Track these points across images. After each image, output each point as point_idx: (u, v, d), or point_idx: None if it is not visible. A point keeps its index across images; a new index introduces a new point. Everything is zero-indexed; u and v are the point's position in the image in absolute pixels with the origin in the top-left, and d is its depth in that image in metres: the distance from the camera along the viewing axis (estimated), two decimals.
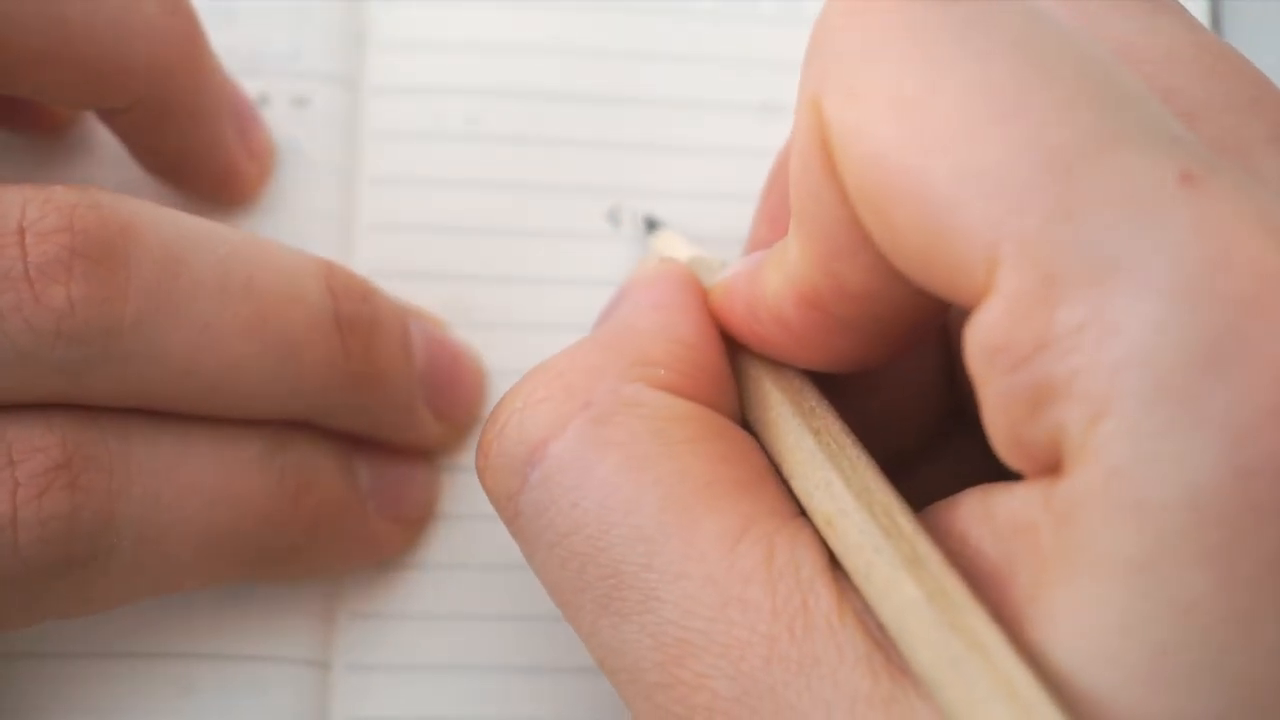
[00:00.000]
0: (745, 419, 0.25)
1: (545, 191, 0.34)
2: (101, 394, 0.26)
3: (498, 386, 0.32)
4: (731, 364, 0.26)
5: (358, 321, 0.28)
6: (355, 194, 0.34)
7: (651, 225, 0.33)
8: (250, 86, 0.33)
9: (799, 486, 0.23)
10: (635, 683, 0.23)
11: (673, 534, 0.22)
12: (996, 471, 0.25)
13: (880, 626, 0.21)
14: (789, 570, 0.21)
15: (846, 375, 0.25)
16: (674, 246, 0.31)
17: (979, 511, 0.21)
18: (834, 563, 0.22)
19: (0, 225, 0.25)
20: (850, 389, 0.25)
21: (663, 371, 0.24)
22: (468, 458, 0.32)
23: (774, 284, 0.24)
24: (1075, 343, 0.18)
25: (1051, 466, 0.19)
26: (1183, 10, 0.23)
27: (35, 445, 0.25)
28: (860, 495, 0.22)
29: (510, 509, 0.24)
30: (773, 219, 0.28)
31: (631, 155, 0.34)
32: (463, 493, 0.32)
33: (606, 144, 0.34)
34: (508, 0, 0.35)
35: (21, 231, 0.25)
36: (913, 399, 0.27)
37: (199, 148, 0.31)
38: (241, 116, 0.32)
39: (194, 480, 0.27)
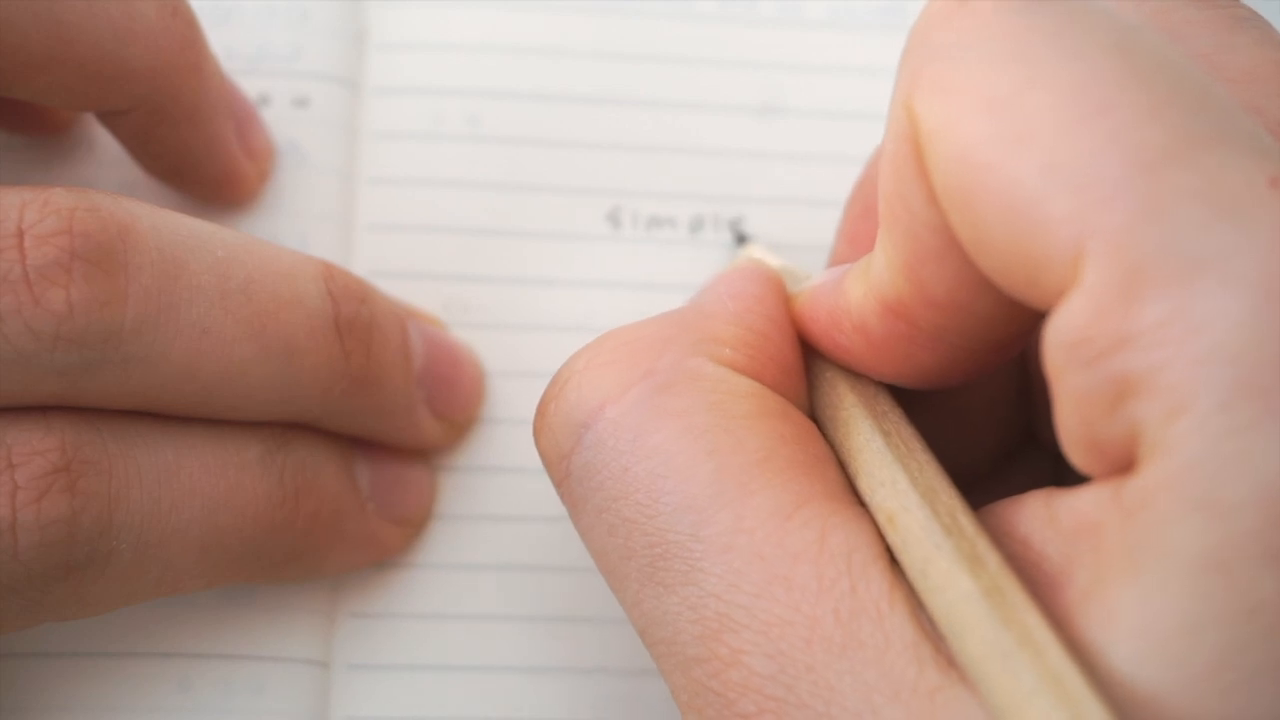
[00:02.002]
0: (814, 417, 0.25)
1: (545, 192, 0.34)
2: (101, 397, 0.26)
3: (497, 387, 0.32)
4: (806, 366, 0.26)
5: (356, 323, 0.28)
6: (355, 194, 0.34)
7: (741, 239, 0.33)
8: (250, 87, 0.33)
9: (864, 484, 0.23)
10: (673, 655, 0.23)
11: (723, 506, 0.22)
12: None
13: (931, 621, 0.21)
14: (841, 554, 0.21)
15: (922, 392, 0.25)
16: (756, 255, 0.31)
17: (1042, 514, 0.21)
18: (889, 557, 0.22)
19: None
20: (924, 406, 0.25)
21: (729, 351, 0.24)
22: (467, 458, 0.32)
23: (858, 293, 0.24)
24: (1158, 338, 0.18)
25: (1123, 465, 0.19)
26: (1265, 26, 0.23)
27: (35, 449, 0.25)
28: (925, 494, 0.22)
29: (561, 469, 0.24)
30: (853, 236, 0.28)
31: (632, 156, 0.34)
32: (463, 493, 0.32)
33: (607, 145, 0.34)
34: (508, 1, 0.35)
35: (20, 234, 0.25)
36: (986, 420, 0.27)
37: (198, 149, 0.31)
38: (241, 117, 0.32)
39: (193, 483, 0.27)
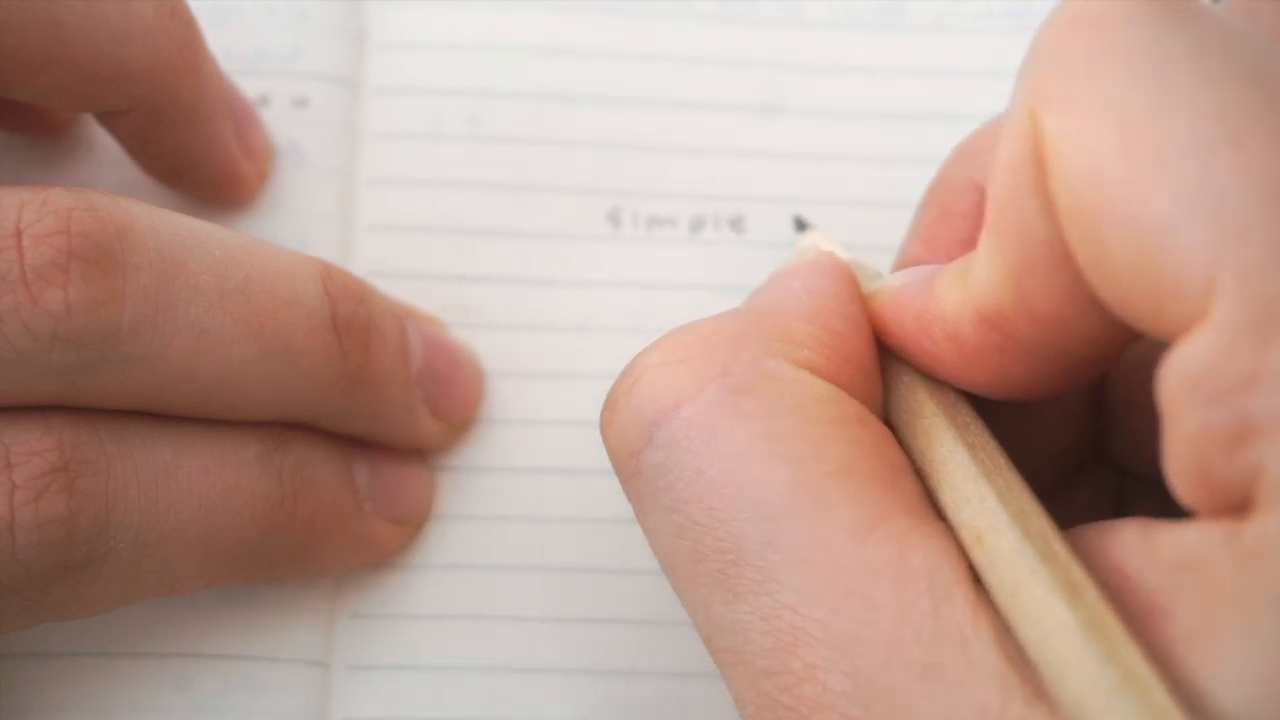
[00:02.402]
0: (889, 421, 0.25)
1: (545, 192, 0.34)
2: (99, 396, 0.26)
3: (497, 387, 0.32)
4: (882, 367, 0.25)
5: (355, 323, 0.28)
6: (355, 194, 0.34)
7: (800, 225, 0.33)
8: (250, 87, 0.33)
9: (947, 498, 0.22)
10: (742, 664, 0.22)
11: (800, 517, 0.22)
12: (1129, 510, 0.24)
13: (1018, 648, 0.20)
14: (922, 573, 0.21)
15: (995, 401, 0.24)
16: (822, 244, 0.30)
17: (1139, 543, 0.20)
18: (973, 577, 0.21)
19: None
20: (994, 414, 0.25)
21: (807, 352, 0.24)
22: (467, 458, 0.32)
23: (953, 299, 0.23)
24: None
25: (1237, 506, 0.19)
26: None
27: (33, 449, 0.25)
28: (1015, 515, 0.21)
29: (630, 466, 0.24)
30: (930, 238, 0.27)
31: (632, 156, 0.34)
32: (462, 493, 0.32)
33: (607, 145, 0.34)
34: (508, 1, 0.35)
35: (19, 234, 0.25)
36: (1056, 433, 0.27)
37: (197, 149, 0.31)
38: (240, 118, 0.32)
39: (192, 483, 0.27)
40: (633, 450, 0.24)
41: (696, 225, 0.34)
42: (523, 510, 0.32)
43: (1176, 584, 0.19)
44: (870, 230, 0.34)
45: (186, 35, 0.29)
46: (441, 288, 0.33)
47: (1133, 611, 0.20)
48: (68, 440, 0.25)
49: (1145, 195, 0.19)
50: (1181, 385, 0.19)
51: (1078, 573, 0.20)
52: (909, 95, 0.35)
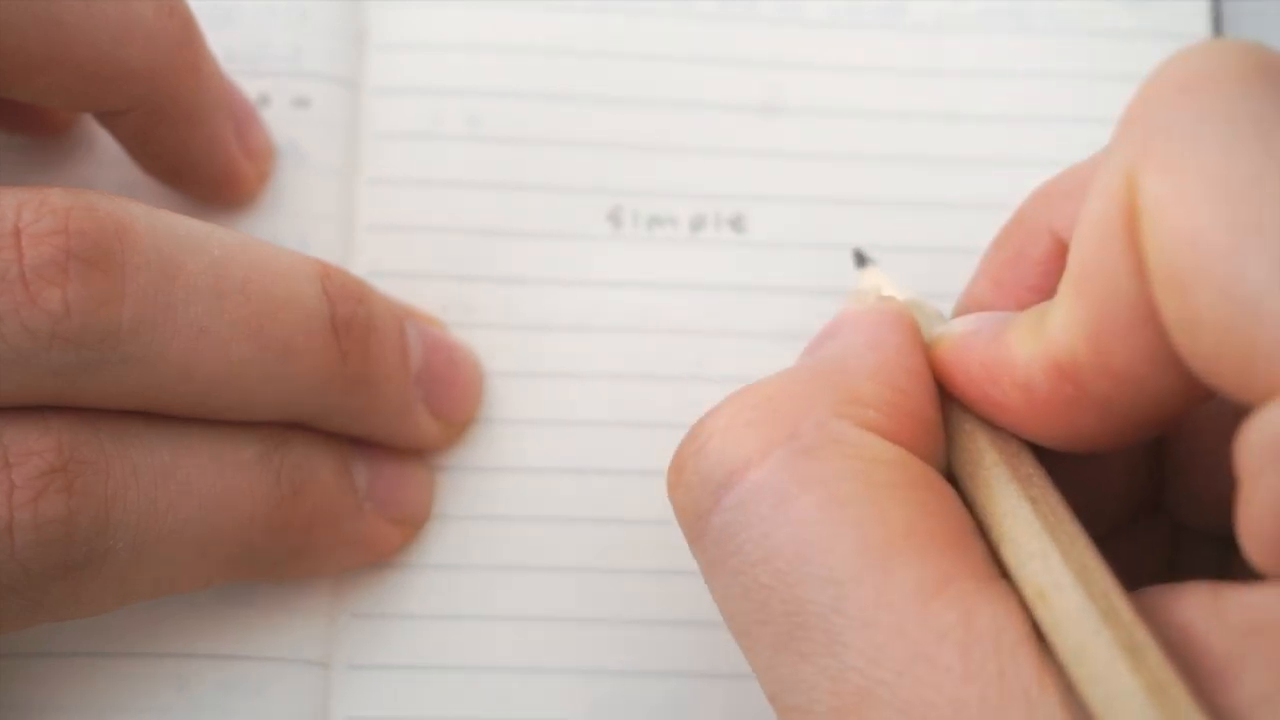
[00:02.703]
0: (951, 472, 0.25)
1: (546, 192, 0.34)
2: (98, 396, 0.26)
3: (498, 387, 0.32)
4: (943, 415, 0.25)
5: (354, 324, 0.28)
6: (355, 195, 0.34)
7: (861, 260, 0.32)
8: (251, 87, 0.33)
9: (1010, 553, 0.22)
10: None
11: (865, 580, 0.22)
12: (1182, 563, 0.24)
13: (1083, 708, 0.20)
14: (988, 635, 0.21)
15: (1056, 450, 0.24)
16: (883, 285, 0.30)
17: (1207, 605, 0.20)
18: (1037, 635, 0.21)
19: None
20: (1054, 463, 0.25)
21: (872, 413, 0.24)
22: (468, 458, 0.32)
23: (1026, 349, 0.23)
24: None
25: None
26: None
27: (32, 449, 0.25)
28: (1078, 572, 0.21)
29: (698, 528, 0.24)
30: (998, 281, 0.27)
31: (633, 156, 0.34)
32: (463, 493, 0.32)
33: (607, 145, 0.34)
34: (508, 1, 0.35)
35: (18, 234, 0.25)
36: (1116, 484, 0.27)
37: (197, 149, 0.31)
38: (240, 118, 0.32)
39: (190, 484, 0.27)
40: (700, 513, 0.24)
41: (697, 225, 0.34)
42: (524, 510, 0.32)
43: (1245, 647, 0.19)
44: (872, 229, 0.34)
45: (186, 35, 0.29)
46: (442, 287, 0.33)
47: (1199, 675, 0.20)
48: (67, 441, 0.25)
49: (1243, 262, 0.19)
50: (1263, 449, 0.19)
51: (1141, 634, 0.20)
52: (910, 94, 0.35)
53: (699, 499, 0.24)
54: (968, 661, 0.21)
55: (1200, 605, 0.20)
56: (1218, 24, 0.36)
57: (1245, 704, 0.19)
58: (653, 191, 0.34)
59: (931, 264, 0.33)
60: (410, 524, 0.31)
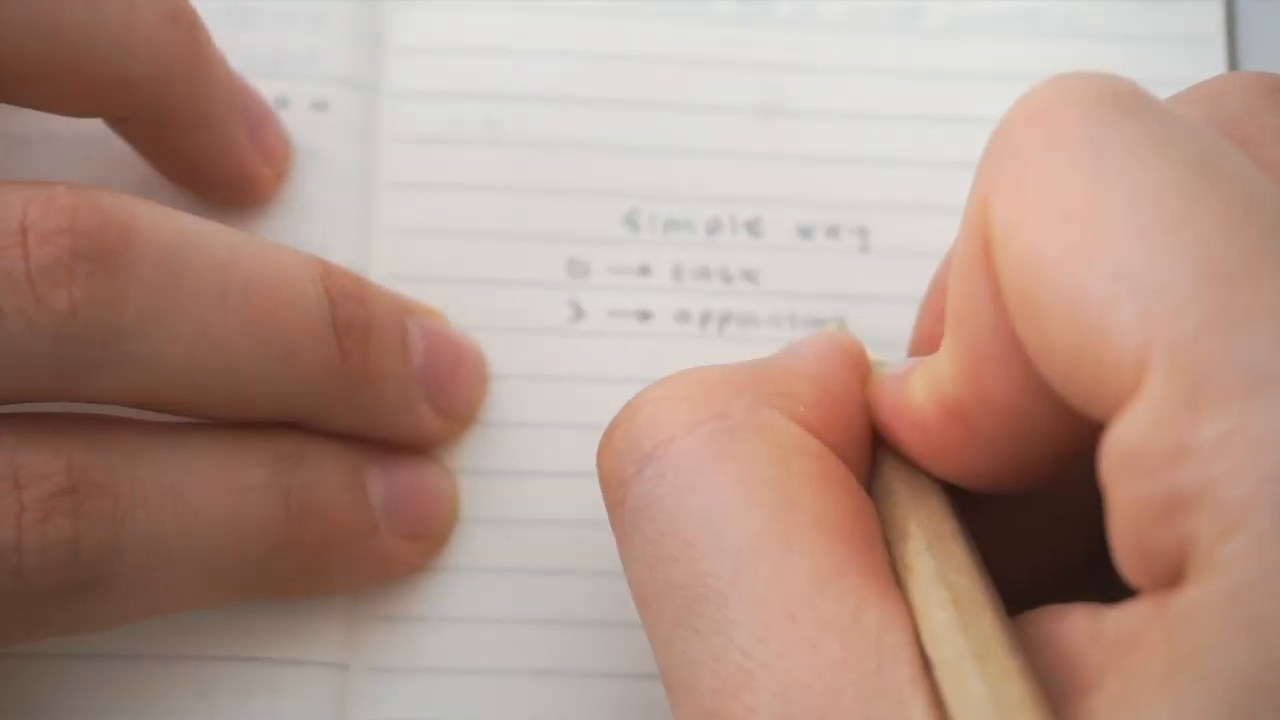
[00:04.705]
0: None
1: (563, 195, 0.34)
2: (101, 395, 0.26)
3: (520, 390, 0.32)
4: (873, 448, 0.26)
5: (355, 324, 0.28)
6: (373, 198, 0.34)
7: (840, 328, 0.33)
8: (268, 90, 0.33)
9: (901, 574, 0.23)
10: (690, 704, 0.22)
11: (765, 559, 0.22)
12: None
13: (947, 716, 0.20)
14: (873, 632, 0.21)
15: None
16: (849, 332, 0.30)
17: (1086, 625, 0.20)
18: (920, 647, 0.21)
19: (2, 226, 0.25)
20: (1021, 501, 0.25)
21: (803, 409, 0.24)
22: (491, 461, 0.32)
23: (920, 390, 0.24)
24: (1216, 452, 0.18)
25: (1171, 579, 0.19)
26: None
27: (42, 471, 0.25)
28: (951, 593, 0.22)
29: (617, 495, 0.24)
30: (930, 337, 0.27)
31: (649, 159, 0.34)
32: (485, 496, 0.32)
33: (624, 148, 0.34)
34: (526, 4, 0.35)
35: (24, 233, 0.25)
36: (1079, 525, 0.27)
37: (210, 152, 0.31)
38: (254, 119, 0.32)
39: (199, 506, 0.27)
40: (622, 480, 0.24)
41: (713, 228, 0.34)
42: (545, 514, 0.32)
43: (1111, 660, 0.20)
44: (888, 233, 0.34)
45: (190, 41, 0.29)
46: (459, 291, 0.33)
47: (1074, 690, 0.20)
48: (77, 463, 0.25)
49: (1082, 276, 0.19)
50: (1116, 459, 0.19)
51: (996, 644, 0.21)
52: (925, 98, 0.35)
53: (622, 467, 0.24)
54: (848, 651, 0.21)
55: (1080, 624, 0.21)
56: (1231, 27, 0.36)
57: (1099, 709, 0.19)
58: (669, 195, 0.34)
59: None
60: (429, 539, 0.31)
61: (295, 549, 0.28)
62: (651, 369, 0.32)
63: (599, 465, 0.25)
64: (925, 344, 0.27)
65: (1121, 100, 0.21)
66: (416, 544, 0.31)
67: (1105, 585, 0.22)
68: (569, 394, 0.33)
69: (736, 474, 0.23)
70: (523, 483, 0.32)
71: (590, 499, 0.31)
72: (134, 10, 0.28)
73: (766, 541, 0.22)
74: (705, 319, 0.33)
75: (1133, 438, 0.19)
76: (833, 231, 0.34)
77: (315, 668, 0.30)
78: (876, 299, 0.34)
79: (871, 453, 0.26)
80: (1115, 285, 0.19)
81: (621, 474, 0.24)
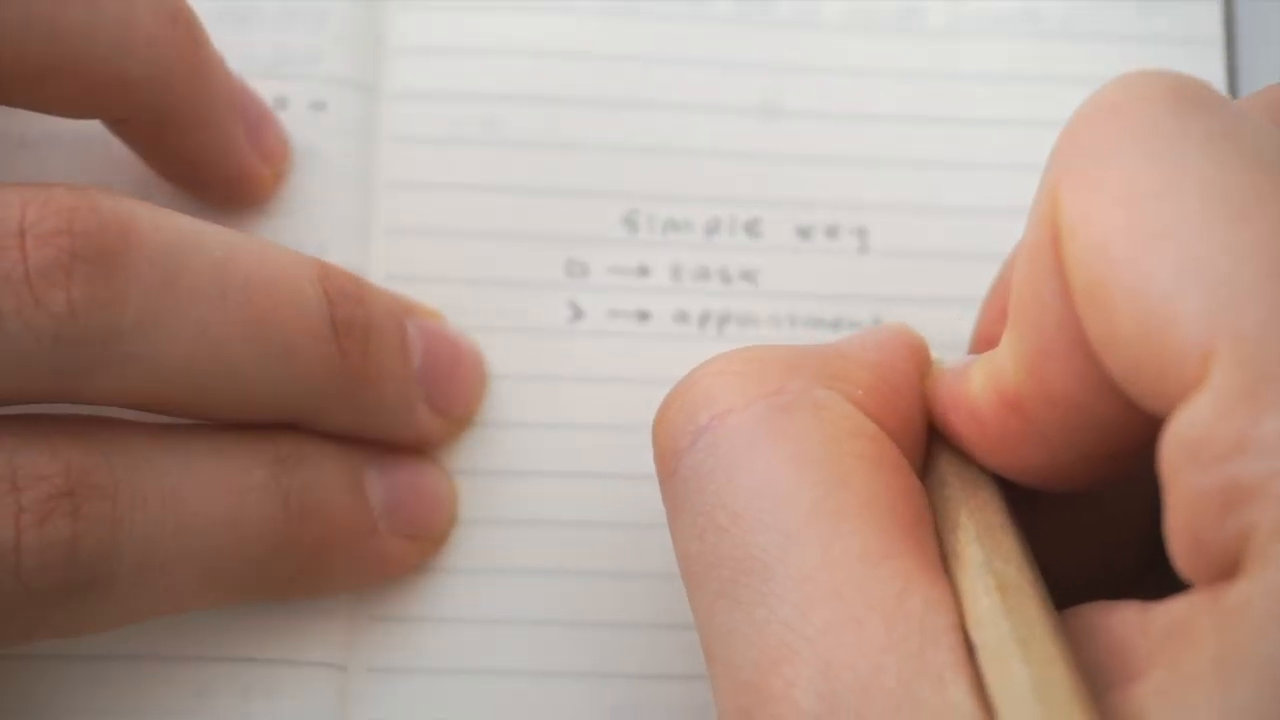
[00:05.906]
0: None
1: (562, 196, 0.34)
2: (100, 395, 0.26)
3: (521, 391, 0.32)
4: (928, 440, 0.26)
5: (353, 324, 0.28)
6: (372, 198, 0.34)
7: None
8: (268, 90, 0.33)
9: (951, 565, 0.23)
10: (728, 676, 0.22)
11: (814, 536, 0.22)
12: None
13: (990, 704, 0.20)
14: (917, 614, 0.21)
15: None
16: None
17: (1136, 616, 0.21)
18: (964, 631, 0.21)
19: (0, 227, 0.25)
20: (1085, 500, 0.25)
21: (860, 392, 0.24)
22: (490, 462, 0.32)
23: (978, 382, 0.24)
24: (1278, 446, 0.18)
25: (1227, 572, 0.19)
26: None
27: (40, 473, 0.25)
28: (1000, 587, 0.22)
29: (670, 465, 0.24)
30: (988, 336, 0.27)
31: (649, 159, 0.34)
32: (484, 497, 0.32)
33: (624, 148, 0.34)
34: (526, 5, 0.35)
35: (22, 235, 0.25)
36: (1139, 518, 0.27)
37: (208, 153, 0.31)
38: (252, 119, 0.32)
39: (198, 508, 0.27)
40: (676, 450, 0.24)
41: (712, 229, 0.34)
42: (544, 514, 0.32)
43: (1159, 650, 0.20)
44: (882, 233, 0.34)
45: (189, 42, 0.29)
46: (459, 292, 0.33)
47: (1123, 680, 0.20)
48: (75, 465, 0.25)
49: (1149, 268, 0.19)
50: (1177, 450, 0.19)
51: (1040, 633, 0.21)
52: (925, 98, 0.35)
53: (677, 437, 0.24)
54: (892, 632, 0.21)
55: (1129, 616, 0.21)
56: (1230, 27, 0.36)
57: (1147, 697, 0.19)
58: (668, 195, 0.34)
59: (949, 269, 0.33)
60: (428, 540, 0.31)
61: (294, 549, 0.28)
62: (650, 369, 0.32)
63: (654, 437, 0.25)
64: (985, 343, 0.27)
65: (1192, 98, 0.21)
66: (415, 544, 0.31)
67: (1155, 591, 0.22)
68: (568, 394, 0.33)
69: (789, 451, 0.23)
70: (521, 483, 0.32)
71: (590, 499, 0.32)
72: (133, 10, 0.28)
73: (816, 519, 0.22)
74: (704, 319, 0.33)
75: (1194, 428, 0.19)
76: (832, 232, 0.34)
77: (314, 668, 0.30)
78: (875, 299, 0.34)
79: (926, 445, 0.26)
80: (1182, 277, 0.19)
81: (675, 445, 0.24)
